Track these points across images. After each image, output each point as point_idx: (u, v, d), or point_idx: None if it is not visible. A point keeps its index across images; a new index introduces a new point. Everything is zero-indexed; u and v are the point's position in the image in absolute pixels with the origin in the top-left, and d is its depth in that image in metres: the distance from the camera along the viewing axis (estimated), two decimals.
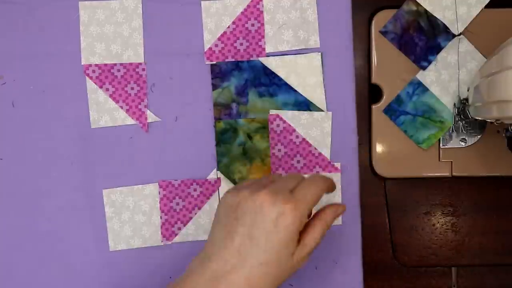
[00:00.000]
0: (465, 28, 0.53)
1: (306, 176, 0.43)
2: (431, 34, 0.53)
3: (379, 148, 0.54)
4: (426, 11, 0.53)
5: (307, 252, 0.40)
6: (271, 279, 0.39)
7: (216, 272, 0.38)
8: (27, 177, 0.53)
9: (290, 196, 0.39)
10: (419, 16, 0.53)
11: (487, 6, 0.53)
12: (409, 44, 0.53)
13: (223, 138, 0.53)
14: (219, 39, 0.53)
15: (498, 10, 0.53)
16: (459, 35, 0.53)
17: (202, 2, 0.53)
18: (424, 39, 0.53)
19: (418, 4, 0.53)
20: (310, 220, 0.42)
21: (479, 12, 0.53)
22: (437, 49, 0.53)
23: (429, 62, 0.53)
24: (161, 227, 0.53)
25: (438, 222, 0.54)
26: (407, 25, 0.53)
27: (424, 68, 0.53)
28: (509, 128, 0.45)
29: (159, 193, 0.53)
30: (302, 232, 0.40)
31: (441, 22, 0.53)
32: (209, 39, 0.53)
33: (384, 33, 0.53)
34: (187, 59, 0.53)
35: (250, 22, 0.53)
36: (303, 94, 0.53)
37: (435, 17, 0.53)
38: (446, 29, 0.53)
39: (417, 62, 0.53)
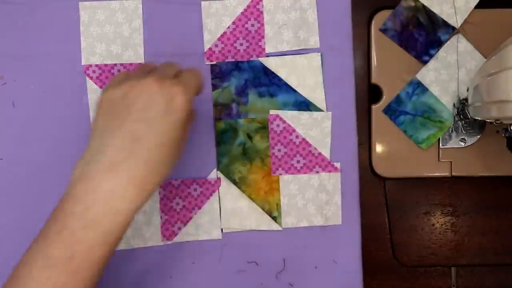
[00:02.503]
0: (465, 20, 0.53)
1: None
2: (430, 28, 0.53)
3: (379, 148, 0.54)
4: (424, 6, 0.53)
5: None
6: (169, 160, 0.39)
7: (113, 161, 0.37)
8: (27, 177, 0.53)
9: (177, 81, 0.39)
10: (417, 12, 0.53)
11: (487, 6, 0.53)
12: (410, 40, 0.53)
13: (223, 138, 0.53)
14: (219, 39, 0.53)
15: (498, 10, 0.53)
16: (458, 29, 0.53)
17: (202, 2, 0.53)
18: (424, 34, 0.53)
19: (416, 0, 0.53)
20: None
21: (479, 12, 0.53)
22: (438, 43, 0.53)
23: (431, 57, 0.53)
24: (161, 227, 0.53)
25: (438, 222, 0.54)
26: (407, 21, 0.53)
27: (425, 62, 0.53)
28: (509, 128, 0.45)
29: (159, 193, 0.53)
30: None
31: (440, 16, 0.53)
32: (209, 39, 0.53)
33: (384, 31, 0.53)
34: (187, 59, 0.53)
35: (250, 22, 0.53)
36: (303, 94, 0.53)
37: (433, 11, 0.53)
38: (445, 23, 0.53)
39: (419, 57, 0.53)
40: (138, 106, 0.38)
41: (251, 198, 0.53)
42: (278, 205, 0.53)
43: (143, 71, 0.41)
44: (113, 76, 0.43)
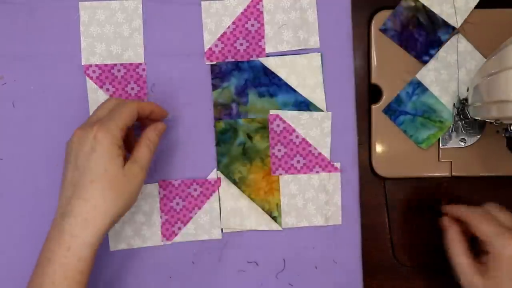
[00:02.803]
0: (465, 20, 0.53)
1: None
2: (430, 28, 0.53)
3: (379, 148, 0.54)
4: (424, 6, 0.53)
5: (139, 166, 0.45)
6: (111, 194, 0.43)
7: (63, 211, 0.43)
8: (27, 177, 0.53)
9: (96, 121, 0.44)
10: (417, 12, 0.53)
11: (487, 6, 0.53)
12: (410, 40, 0.53)
13: (223, 138, 0.53)
14: (219, 39, 0.53)
15: (498, 10, 0.53)
16: (458, 28, 0.53)
17: (202, 2, 0.53)
18: (424, 34, 0.53)
19: (416, 0, 0.53)
20: (137, 142, 0.47)
21: (479, 12, 0.53)
22: (438, 43, 0.53)
23: (431, 57, 0.53)
24: (161, 227, 0.53)
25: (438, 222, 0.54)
26: (407, 21, 0.53)
27: (425, 62, 0.53)
28: (509, 128, 0.45)
29: (159, 193, 0.53)
30: (134, 148, 0.46)
31: (440, 16, 0.53)
32: (209, 39, 0.53)
33: (384, 31, 0.53)
34: (187, 59, 0.53)
35: (250, 22, 0.53)
36: (303, 94, 0.53)
37: (433, 11, 0.53)
38: (445, 23, 0.53)
39: (419, 57, 0.53)
40: (70, 159, 0.44)
41: (251, 198, 0.53)
42: (278, 205, 0.53)
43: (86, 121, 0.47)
44: None
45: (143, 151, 0.46)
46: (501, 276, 0.44)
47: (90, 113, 0.53)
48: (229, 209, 0.53)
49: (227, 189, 0.53)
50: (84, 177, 0.42)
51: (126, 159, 0.45)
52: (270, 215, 0.53)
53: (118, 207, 0.43)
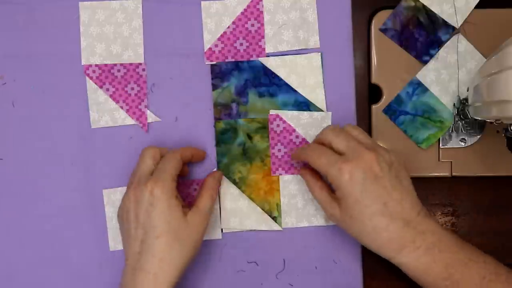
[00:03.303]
0: (465, 20, 0.53)
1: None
2: (431, 28, 0.53)
3: None
4: (424, 6, 0.53)
5: (202, 215, 0.47)
6: (177, 246, 0.45)
7: (134, 267, 0.45)
8: (27, 177, 0.53)
9: (148, 178, 0.46)
10: (418, 12, 0.53)
11: (487, 6, 0.53)
12: (410, 40, 0.53)
13: (223, 138, 0.53)
14: (219, 39, 0.53)
15: (498, 10, 0.53)
16: (458, 28, 0.53)
17: (202, 2, 0.53)
18: (424, 34, 0.53)
19: (416, 0, 0.53)
20: (199, 190, 0.50)
21: (479, 12, 0.53)
22: (438, 43, 0.53)
23: (431, 57, 0.53)
24: None
25: (438, 222, 0.54)
26: (407, 21, 0.53)
27: (425, 62, 0.53)
28: (509, 128, 0.45)
29: None
30: (195, 200, 0.48)
31: (440, 16, 0.53)
32: (209, 39, 0.53)
33: (384, 30, 0.53)
34: (187, 59, 0.53)
35: (250, 22, 0.53)
36: (303, 94, 0.53)
37: (433, 11, 0.53)
38: (445, 23, 0.53)
39: (419, 57, 0.53)
40: (130, 218, 0.46)
41: (251, 198, 0.53)
42: (278, 205, 0.53)
43: (131, 180, 0.48)
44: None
45: (205, 200, 0.48)
46: (348, 201, 0.44)
47: (90, 113, 0.53)
48: (229, 209, 0.53)
49: (227, 189, 0.53)
50: (149, 233, 0.44)
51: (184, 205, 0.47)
52: (270, 215, 0.53)
53: (184, 258, 0.45)
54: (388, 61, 0.54)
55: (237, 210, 0.53)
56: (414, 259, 0.44)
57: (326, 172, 0.45)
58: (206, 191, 0.49)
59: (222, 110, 0.53)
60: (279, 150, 0.53)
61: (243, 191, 0.53)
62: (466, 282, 0.43)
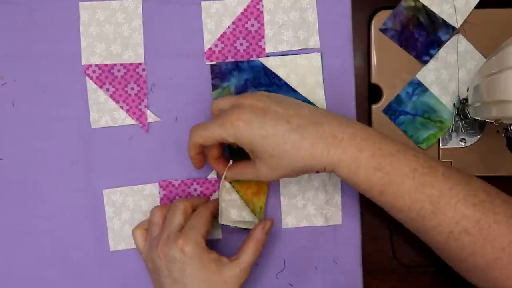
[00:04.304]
0: (465, 20, 0.53)
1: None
2: (431, 28, 0.53)
3: None
4: (424, 6, 0.53)
5: (243, 267, 0.45)
6: None
7: None
8: (27, 177, 0.53)
9: (179, 234, 0.45)
10: (418, 12, 0.53)
11: (487, 6, 0.53)
12: (410, 40, 0.53)
13: None
14: (219, 39, 0.53)
15: (498, 10, 0.53)
16: (458, 28, 0.53)
17: (202, 2, 0.53)
18: (424, 34, 0.53)
19: (416, 0, 0.53)
20: (245, 239, 0.48)
21: (479, 12, 0.53)
22: (438, 43, 0.53)
23: (431, 57, 0.53)
24: None
25: None
26: (407, 21, 0.53)
27: (425, 62, 0.53)
28: (509, 128, 0.45)
29: (159, 193, 0.53)
30: (239, 250, 0.47)
31: (440, 16, 0.53)
32: (209, 39, 0.53)
33: (383, 30, 0.53)
34: (187, 59, 0.53)
35: (250, 22, 0.53)
36: (303, 94, 0.53)
37: (433, 11, 0.53)
38: (445, 23, 0.53)
39: (419, 57, 0.53)
40: (164, 271, 0.45)
41: (240, 195, 0.53)
42: (261, 209, 0.53)
43: (156, 231, 0.48)
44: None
45: (249, 254, 0.46)
46: (256, 143, 0.43)
47: (90, 113, 0.53)
48: (227, 200, 0.53)
49: (228, 188, 0.53)
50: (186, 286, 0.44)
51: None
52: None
53: None
54: (388, 61, 0.54)
55: (234, 202, 0.53)
56: (342, 153, 0.42)
57: (221, 135, 0.44)
58: (252, 243, 0.47)
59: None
60: None
61: (233, 186, 0.53)
62: (397, 174, 0.42)
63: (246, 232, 0.54)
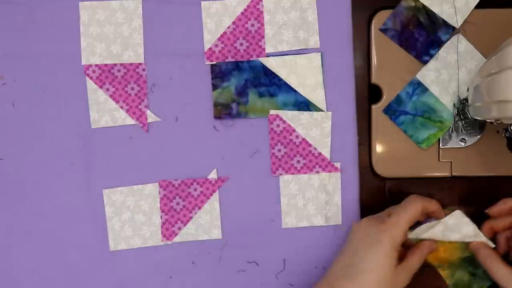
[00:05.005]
0: (465, 20, 0.53)
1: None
2: (431, 28, 0.53)
3: (379, 148, 0.54)
4: (424, 6, 0.53)
5: (408, 275, 0.46)
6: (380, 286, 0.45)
7: (329, 280, 0.46)
8: (27, 177, 0.53)
9: (385, 219, 0.47)
10: (418, 12, 0.53)
11: (487, 6, 0.53)
12: (410, 40, 0.53)
13: None
14: (219, 39, 0.53)
15: (498, 10, 0.53)
16: (458, 28, 0.53)
17: (202, 2, 0.53)
18: (424, 34, 0.53)
19: (416, 0, 0.53)
20: (412, 248, 0.48)
21: (479, 12, 0.53)
22: (438, 43, 0.53)
23: (431, 57, 0.53)
24: (161, 226, 0.53)
25: None
26: (407, 21, 0.53)
27: (425, 62, 0.53)
28: (509, 128, 0.45)
29: (159, 193, 0.53)
30: (407, 255, 0.47)
31: (440, 16, 0.53)
32: (209, 39, 0.53)
33: (384, 30, 0.53)
34: (187, 59, 0.53)
35: (250, 22, 0.53)
36: (303, 94, 0.53)
37: (433, 11, 0.53)
38: (445, 23, 0.53)
39: (419, 57, 0.53)
40: (355, 240, 0.47)
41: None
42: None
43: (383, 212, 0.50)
44: None
45: (416, 259, 0.47)
46: None
47: (90, 113, 0.53)
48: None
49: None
50: (358, 265, 0.45)
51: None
52: None
53: None
54: (388, 61, 0.54)
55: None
56: None
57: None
58: (420, 249, 0.48)
59: (222, 110, 0.53)
60: (279, 150, 0.53)
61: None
62: None
63: (246, 232, 0.54)
